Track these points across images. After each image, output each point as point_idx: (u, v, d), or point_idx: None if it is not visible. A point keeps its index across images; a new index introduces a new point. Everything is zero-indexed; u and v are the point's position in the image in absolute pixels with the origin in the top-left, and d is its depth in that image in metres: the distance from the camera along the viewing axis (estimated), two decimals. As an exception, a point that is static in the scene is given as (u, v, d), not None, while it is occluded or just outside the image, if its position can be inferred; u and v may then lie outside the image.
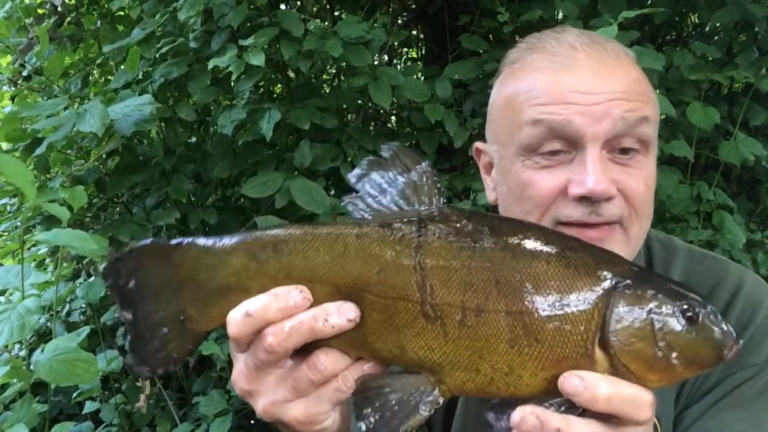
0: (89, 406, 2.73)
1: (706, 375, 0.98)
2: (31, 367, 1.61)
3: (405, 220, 0.74)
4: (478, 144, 1.09)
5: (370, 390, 0.73)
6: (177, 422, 2.61)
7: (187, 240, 0.79)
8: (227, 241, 0.78)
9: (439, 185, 0.76)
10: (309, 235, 0.75)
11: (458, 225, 0.73)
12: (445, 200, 0.76)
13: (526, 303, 0.68)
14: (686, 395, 1.00)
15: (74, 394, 2.65)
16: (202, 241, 0.79)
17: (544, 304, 0.68)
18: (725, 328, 0.68)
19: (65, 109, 2.19)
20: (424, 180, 0.76)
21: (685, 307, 0.67)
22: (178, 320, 0.78)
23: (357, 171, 0.77)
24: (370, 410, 0.71)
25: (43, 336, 2.97)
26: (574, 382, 0.65)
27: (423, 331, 0.71)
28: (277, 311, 0.71)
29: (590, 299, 0.68)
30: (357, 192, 0.76)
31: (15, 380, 1.73)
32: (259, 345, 0.72)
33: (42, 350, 1.89)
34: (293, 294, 0.71)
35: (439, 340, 0.70)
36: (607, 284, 0.69)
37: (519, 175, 0.95)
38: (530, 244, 0.71)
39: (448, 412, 1.10)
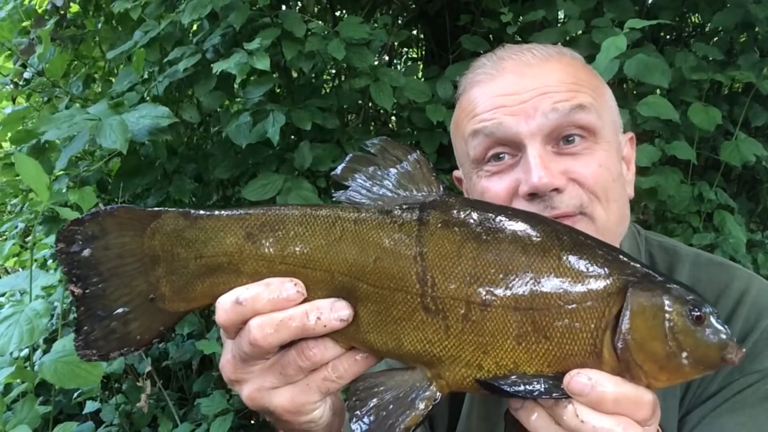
0: (90, 406, 2.74)
1: (709, 380, 0.98)
2: (36, 368, 1.60)
3: (405, 206, 0.70)
4: (454, 173, 1.13)
5: (363, 391, 0.69)
6: (177, 422, 2.61)
7: (168, 210, 0.71)
8: (220, 214, 0.71)
9: (435, 173, 0.72)
10: (307, 216, 0.70)
11: (462, 213, 0.69)
12: (444, 188, 0.72)
13: (536, 299, 0.66)
14: (689, 400, 1.00)
15: (75, 395, 2.65)
16: (187, 212, 0.71)
17: (555, 301, 0.66)
18: (726, 329, 0.68)
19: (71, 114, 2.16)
20: (419, 168, 0.72)
21: (693, 306, 0.67)
22: (146, 298, 0.70)
23: (342, 165, 0.72)
24: (364, 411, 0.68)
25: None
26: (582, 381, 0.65)
27: (422, 324, 0.67)
28: (267, 302, 0.68)
29: (602, 297, 0.66)
30: (346, 187, 0.72)
31: (18, 381, 1.72)
32: (244, 337, 0.69)
33: (43, 351, 1.89)
34: (287, 286, 0.68)
35: (440, 334, 0.67)
36: (619, 282, 0.67)
37: (476, 187, 0.99)
38: (540, 237, 0.68)
39: (452, 414, 1.10)
